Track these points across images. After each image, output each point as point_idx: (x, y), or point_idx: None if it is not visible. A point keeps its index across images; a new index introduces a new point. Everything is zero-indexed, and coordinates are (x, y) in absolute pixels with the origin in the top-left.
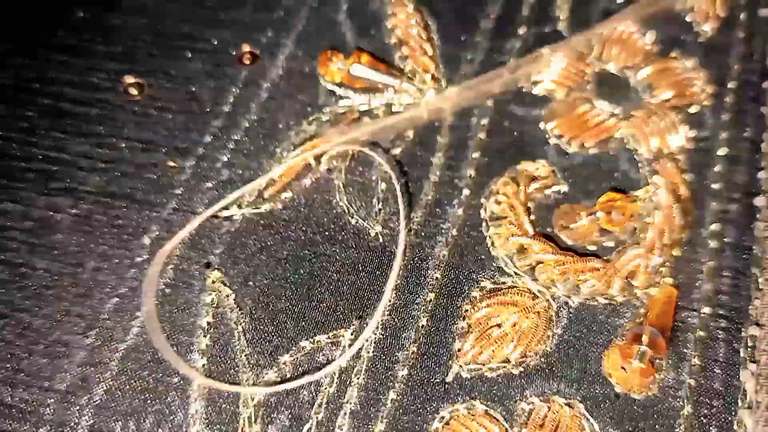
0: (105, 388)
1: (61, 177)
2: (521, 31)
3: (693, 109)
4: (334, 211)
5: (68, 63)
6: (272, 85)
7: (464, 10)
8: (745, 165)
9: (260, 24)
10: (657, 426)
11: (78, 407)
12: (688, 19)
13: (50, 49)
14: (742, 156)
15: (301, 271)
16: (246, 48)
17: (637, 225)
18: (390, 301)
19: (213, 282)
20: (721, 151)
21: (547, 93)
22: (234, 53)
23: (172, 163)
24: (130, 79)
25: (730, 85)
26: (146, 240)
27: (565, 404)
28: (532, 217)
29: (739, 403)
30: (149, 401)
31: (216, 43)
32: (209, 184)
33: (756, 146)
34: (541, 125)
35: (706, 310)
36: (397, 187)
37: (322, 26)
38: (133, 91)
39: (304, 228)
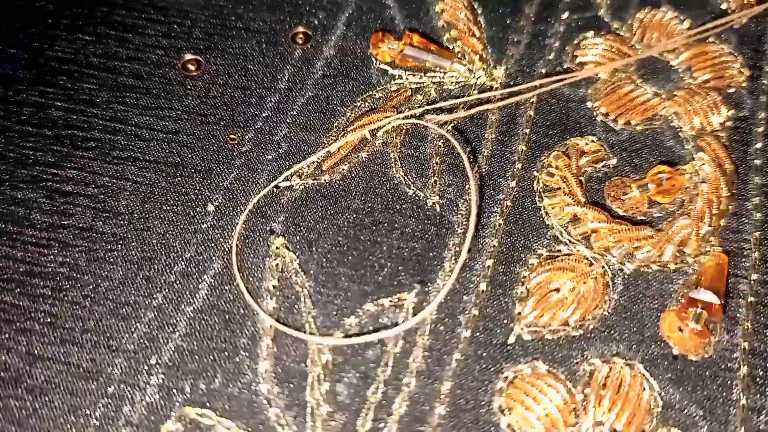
0: (173, 348)
1: (123, 146)
2: (564, 15)
3: (731, 90)
4: (391, 182)
5: (127, 39)
6: (326, 64)
7: None
8: None
9: (312, 6)
10: (715, 386)
11: (147, 367)
12: (723, 6)
13: (109, 27)
14: None
15: (362, 238)
16: (300, 29)
17: (685, 197)
18: (450, 268)
19: (277, 248)
20: (761, 129)
21: (592, 74)
22: (288, 33)
23: (233, 135)
24: (188, 56)
25: (766, 68)
26: (210, 207)
27: (626, 365)
28: (584, 189)
29: None
30: (218, 361)
31: (270, 23)
32: (269, 156)
33: None
34: (588, 104)
35: (755, 276)
36: (464, 156)
37: (373, 9)
38: (191, 67)
39: (362, 198)
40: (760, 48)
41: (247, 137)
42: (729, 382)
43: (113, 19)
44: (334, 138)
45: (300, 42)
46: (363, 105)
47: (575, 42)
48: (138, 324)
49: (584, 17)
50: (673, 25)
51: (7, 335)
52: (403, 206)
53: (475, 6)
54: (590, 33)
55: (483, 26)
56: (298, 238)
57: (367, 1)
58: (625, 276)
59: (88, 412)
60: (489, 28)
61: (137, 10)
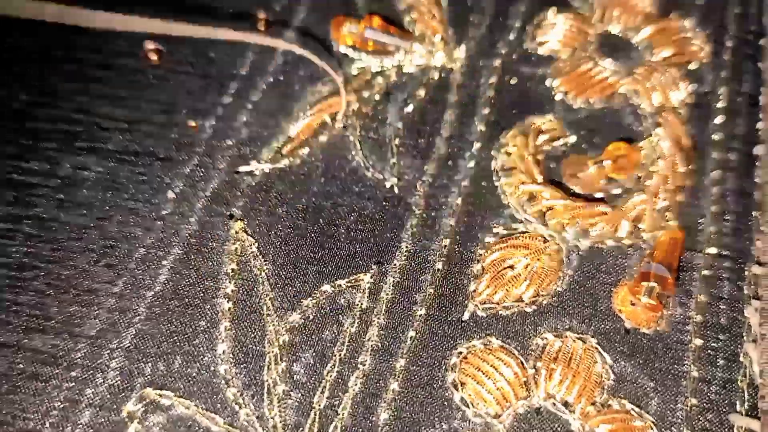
0: (134, 332)
1: (85, 137)
2: None
3: (693, 66)
4: (350, 165)
5: (88, 30)
6: (287, 49)
7: None
8: (743, 117)
9: None
10: (666, 358)
11: (108, 351)
12: None
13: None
14: (740, 109)
15: (320, 221)
16: (261, 15)
17: (642, 174)
18: (406, 247)
19: (236, 232)
20: (721, 104)
21: (552, 53)
22: (249, 20)
23: (192, 123)
24: (150, 45)
25: (728, 43)
26: (170, 194)
27: (578, 339)
28: (541, 167)
29: (744, 337)
30: (178, 344)
31: (231, 11)
32: (230, 142)
33: (754, 100)
34: (548, 83)
35: (711, 250)
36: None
37: None
38: (153, 57)
39: (321, 181)
40: (722, 23)
41: (207, 124)
42: (681, 354)
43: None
44: (294, 122)
45: (261, 28)
46: (323, 89)
47: (536, 22)
48: (99, 310)
49: None
50: (634, 2)
51: None
52: (362, 189)
53: None
54: (551, 11)
55: (444, 8)
56: (257, 222)
57: None
58: (580, 252)
59: (52, 395)
60: (449, 9)
61: (100, 4)
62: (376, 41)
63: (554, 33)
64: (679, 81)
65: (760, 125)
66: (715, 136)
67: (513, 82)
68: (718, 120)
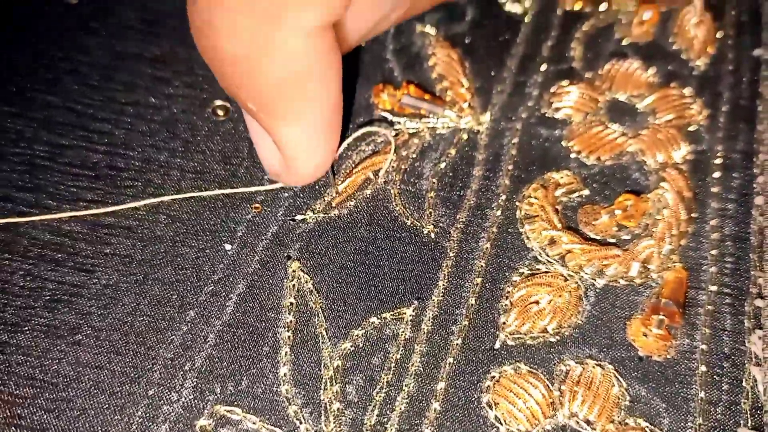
0: (205, 356)
1: (157, 184)
2: (542, 67)
3: (692, 128)
4: (391, 214)
5: (156, 90)
6: None
7: (493, 51)
8: (739, 171)
9: None
10: (676, 383)
11: (182, 372)
12: (683, 56)
13: (140, 78)
14: (736, 165)
15: (366, 262)
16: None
17: (649, 222)
18: (443, 285)
19: (293, 271)
20: (718, 161)
21: (566, 117)
22: None
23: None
24: (218, 102)
25: (723, 108)
26: (228, 246)
27: (597, 365)
28: (560, 216)
29: (746, 364)
30: (244, 366)
31: None
32: (286, 194)
33: (748, 156)
34: (563, 143)
35: (713, 288)
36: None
37: (373, 63)
38: (220, 113)
39: (366, 228)
40: (716, 90)
41: (266, 177)
42: (689, 379)
43: (142, 70)
44: (342, 179)
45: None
46: (366, 149)
47: (552, 90)
48: (174, 336)
49: (560, 69)
50: (639, 73)
51: (58, 348)
52: (402, 235)
53: (464, 60)
54: (565, 81)
55: (471, 78)
56: (311, 262)
57: (368, 56)
58: (597, 290)
59: (131, 411)
60: (476, 79)
61: (165, 64)
62: (412, 107)
63: (568, 100)
64: (680, 141)
65: (759, 179)
66: (714, 189)
67: (533, 144)
68: (716, 174)
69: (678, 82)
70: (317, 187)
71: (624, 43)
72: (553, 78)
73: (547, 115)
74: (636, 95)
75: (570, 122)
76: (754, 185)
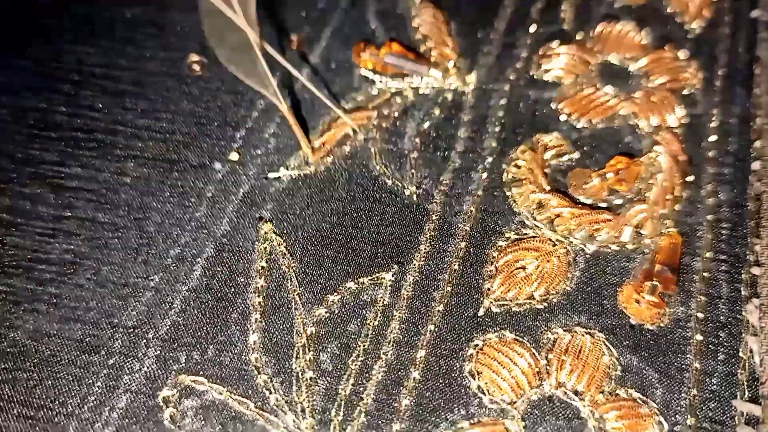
0: (169, 323)
1: (123, 146)
2: (532, 29)
3: (686, 91)
4: (372, 174)
5: (125, 52)
6: (311, 71)
7: (481, 12)
8: (735, 136)
9: (299, 22)
10: (670, 352)
11: (145, 340)
12: (678, 19)
13: (111, 40)
14: (733, 129)
15: (344, 224)
16: (294, 36)
17: (642, 186)
18: (425, 249)
19: (265, 233)
20: (714, 125)
21: (556, 79)
22: (283, 44)
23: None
24: (194, 57)
25: (720, 72)
26: (206, 195)
27: (586, 333)
28: (549, 179)
29: (743, 334)
30: (211, 334)
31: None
32: (259, 151)
33: (745, 121)
34: (553, 105)
35: (709, 254)
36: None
37: (355, 23)
38: (197, 68)
39: (345, 187)
40: (712, 54)
41: (238, 135)
42: (683, 348)
43: (114, 34)
44: (318, 134)
45: (294, 47)
46: (346, 106)
47: (541, 52)
48: (137, 303)
49: (550, 31)
50: (632, 36)
51: (15, 315)
52: (383, 195)
53: (450, 22)
54: (555, 43)
55: (457, 39)
56: (285, 224)
57: (350, 17)
58: (587, 256)
59: (90, 381)
60: (462, 41)
61: (134, 26)
62: (395, 66)
63: (558, 62)
64: (675, 104)
65: (756, 144)
66: (710, 153)
67: (522, 106)
68: (712, 138)
69: (672, 45)
70: (292, 142)
71: (617, 5)
72: (543, 40)
73: (536, 77)
74: (629, 57)
75: (560, 84)
76: (751, 150)
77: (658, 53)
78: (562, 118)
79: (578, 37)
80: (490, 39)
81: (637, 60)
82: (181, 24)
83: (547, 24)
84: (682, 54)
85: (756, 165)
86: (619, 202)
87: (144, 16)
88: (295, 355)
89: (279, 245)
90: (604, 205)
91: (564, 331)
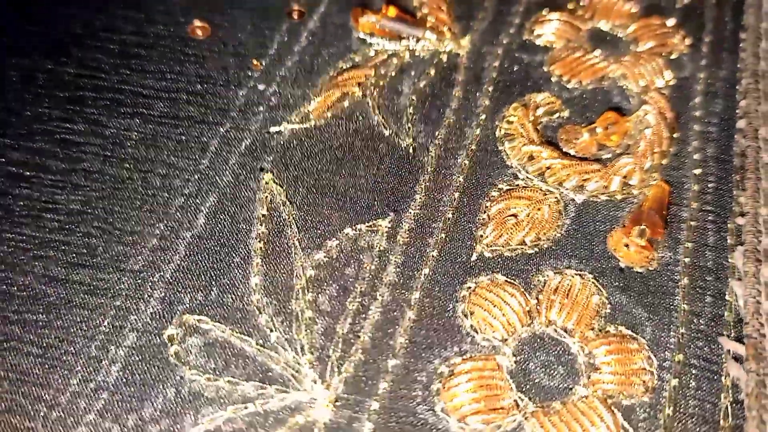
0: (174, 267)
1: (129, 104)
2: None
3: (674, 56)
4: (370, 124)
5: (130, 16)
6: (310, 34)
7: None
8: (722, 97)
9: None
10: (658, 294)
11: (150, 283)
12: None
13: (116, 6)
14: (719, 91)
15: (342, 173)
16: (295, 6)
17: (630, 143)
18: (420, 198)
19: (266, 183)
20: (700, 87)
21: (547, 44)
22: (282, 8)
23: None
24: (198, 22)
25: (706, 39)
26: (210, 148)
27: (576, 274)
28: (540, 133)
29: (729, 279)
30: (214, 277)
31: (261, 2)
32: (260, 108)
33: (731, 83)
34: (544, 68)
35: (695, 205)
36: None
37: None
38: (199, 32)
39: (343, 138)
40: (700, 21)
41: (240, 93)
42: (672, 290)
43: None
44: (318, 92)
45: (296, 17)
46: (344, 66)
47: (533, 19)
48: (143, 249)
49: None
50: (621, 4)
51: (24, 261)
52: (380, 146)
53: None
54: (546, 10)
55: (451, 4)
56: (285, 174)
57: None
58: (577, 204)
59: (97, 322)
60: (457, 8)
61: None
62: (392, 29)
63: (549, 27)
64: (662, 67)
65: (742, 103)
66: (696, 113)
67: (514, 68)
68: (698, 99)
69: (661, 15)
70: (292, 100)
71: None
72: (535, 8)
73: (528, 41)
74: (618, 25)
75: (551, 48)
76: (737, 109)
77: (646, 20)
78: (553, 79)
79: (569, 5)
80: (484, 6)
81: (626, 27)
82: None
83: None
84: (670, 22)
85: (741, 123)
86: (608, 156)
87: None
88: (294, 297)
89: (279, 195)
90: (593, 159)
91: (554, 273)
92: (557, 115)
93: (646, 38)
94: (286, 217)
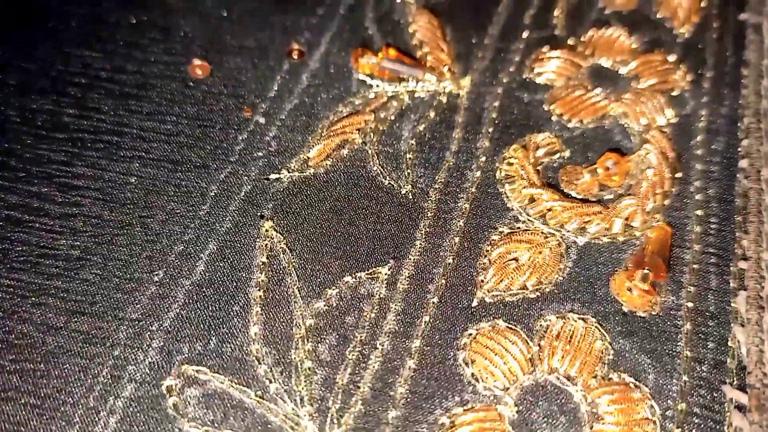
0: (173, 316)
1: (128, 147)
2: (524, 34)
3: (675, 93)
4: (369, 174)
5: (130, 56)
6: (310, 75)
7: (474, 18)
8: (723, 135)
9: (299, 27)
10: (661, 339)
11: (149, 332)
12: (667, 25)
13: (115, 45)
14: (720, 129)
15: (342, 222)
16: (295, 45)
17: (632, 182)
18: (420, 244)
19: (266, 230)
20: (702, 125)
21: (548, 82)
22: (283, 48)
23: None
24: (198, 62)
25: (708, 74)
26: (209, 194)
27: (579, 319)
28: (540, 175)
29: (732, 324)
30: (213, 326)
31: (261, 42)
32: (260, 153)
33: (733, 120)
34: (545, 106)
35: (697, 247)
36: None
37: (354, 29)
38: (199, 72)
39: (343, 187)
40: (701, 57)
41: (240, 137)
42: (674, 336)
43: (119, 38)
44: (318, 138)
45: (295, 56)
46: (344, 110)
47: (533, 56)
48: (141, 296)
49: (542, 36)
50: (622, 40)
51: (22, 308)
52: (379, 194)
53: (445, 27)
54: (546, 47)
55: (451, 44)
56: (285, 222)
57: (348, 23)
58: (579, 247)
59: (96, 372)
60: (456, 46)
61: (138, 30)
62: (391, 70)
63: (550, 65)
64: (664, 105)
65: (744, 142)
66: (698, 151)
67: (514, 108)
68: (700, 138)
69: (662, 50)
70: (292, 146)
71: (607, 11)
72: (535, 45)
73: (528, 79)
74: (619, 61)
75: (552, 87)
76: (739, 148)
77: (647, 56)
78: (554, 118)
79: (570, 42)
80: (484, 44)
81: (627, 63)
82: (185, 29)
83: (540, 29)
84: (671, 57)
85: (743, 163)
86: (610, 197)
87: (148, 21)
88: (294, 347)
89: (279, 242)
90: (594, 200)
91: (557, 317)
92: (558, 155)
93: (647, 75)
94: (286, 265)
